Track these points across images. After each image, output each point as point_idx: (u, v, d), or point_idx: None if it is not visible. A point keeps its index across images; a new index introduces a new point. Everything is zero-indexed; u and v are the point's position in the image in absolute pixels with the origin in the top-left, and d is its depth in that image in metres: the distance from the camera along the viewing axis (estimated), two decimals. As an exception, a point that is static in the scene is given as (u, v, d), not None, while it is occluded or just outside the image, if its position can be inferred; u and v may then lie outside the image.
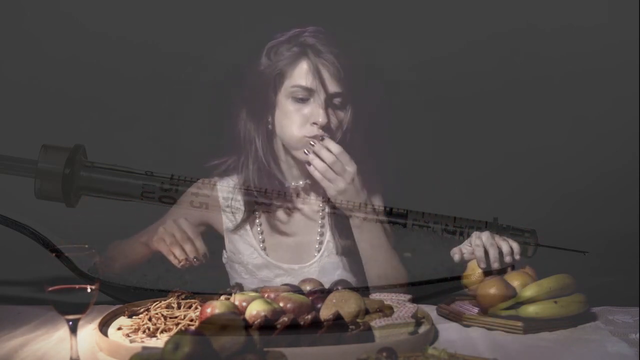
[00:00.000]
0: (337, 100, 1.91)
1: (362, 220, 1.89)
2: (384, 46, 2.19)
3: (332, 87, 1.89)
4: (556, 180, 2.29)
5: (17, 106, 2.26)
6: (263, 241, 2.01)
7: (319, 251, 2.01)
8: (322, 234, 2.02)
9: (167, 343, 1.31)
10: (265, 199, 1.95)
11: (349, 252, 1.98)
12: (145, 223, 2.03)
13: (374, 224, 1.90)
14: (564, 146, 2.30)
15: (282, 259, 2.01)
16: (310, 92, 1.89)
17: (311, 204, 1.97)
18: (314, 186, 1.99)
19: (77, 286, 1.42)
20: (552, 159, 2.31)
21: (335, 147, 1.87)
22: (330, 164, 1.86)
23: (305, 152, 1.89)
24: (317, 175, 1.87)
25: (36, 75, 2.26)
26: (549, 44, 2.30)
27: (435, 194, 2.20)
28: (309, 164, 1.88)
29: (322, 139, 1.88)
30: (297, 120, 1.90)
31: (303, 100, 1.90)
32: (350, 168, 1.86)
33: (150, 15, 2.27)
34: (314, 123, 1.88)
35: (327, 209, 2.00)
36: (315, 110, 1.89)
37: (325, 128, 1.89)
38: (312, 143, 1.88)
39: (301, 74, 1.89)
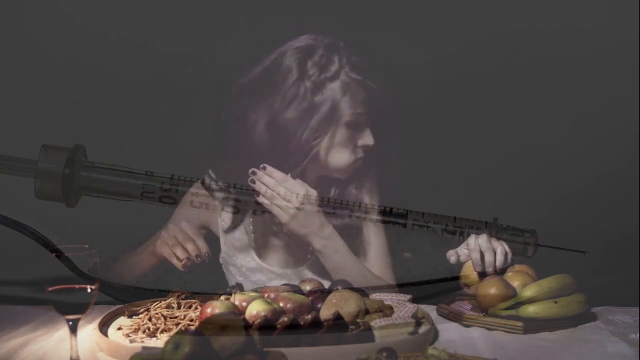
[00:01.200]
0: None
1: (323, 244, 1.88)
2: (384, 46, 2.19)
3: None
4: (556, 180, 2.29)
5: (17, 106, 2.26)
6: (255, 240, 1.99)
7: (312, 253, 1.99)
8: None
9: (167, 343, 1.31)
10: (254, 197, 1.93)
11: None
12: (145, 223, 2.02)
13: (337, 245, 1.88)
14: (564, 146, 2.30)
15: (274, 263, 2.00)
16: None
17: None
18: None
19: (77, 286, 1.42)
20: (552, 159, 2.31)
21: (278, 174, 1.87)
22: (275, 190, 1.85)
23: (251, 182, 1.88)
24: (265, 202, 1.86)
25: (36, 75, 2.26)
26: (549, 44, 2.30)
27: (435, 194, 2.20)
28: (258, 194, 1.88)
29: (265, 168, 1.87)
30: None
31: None
32: (299, 192, 1.85)
33: (150, 15, 2.27)
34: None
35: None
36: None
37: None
38: (255, 172, 1.88)
39: None
